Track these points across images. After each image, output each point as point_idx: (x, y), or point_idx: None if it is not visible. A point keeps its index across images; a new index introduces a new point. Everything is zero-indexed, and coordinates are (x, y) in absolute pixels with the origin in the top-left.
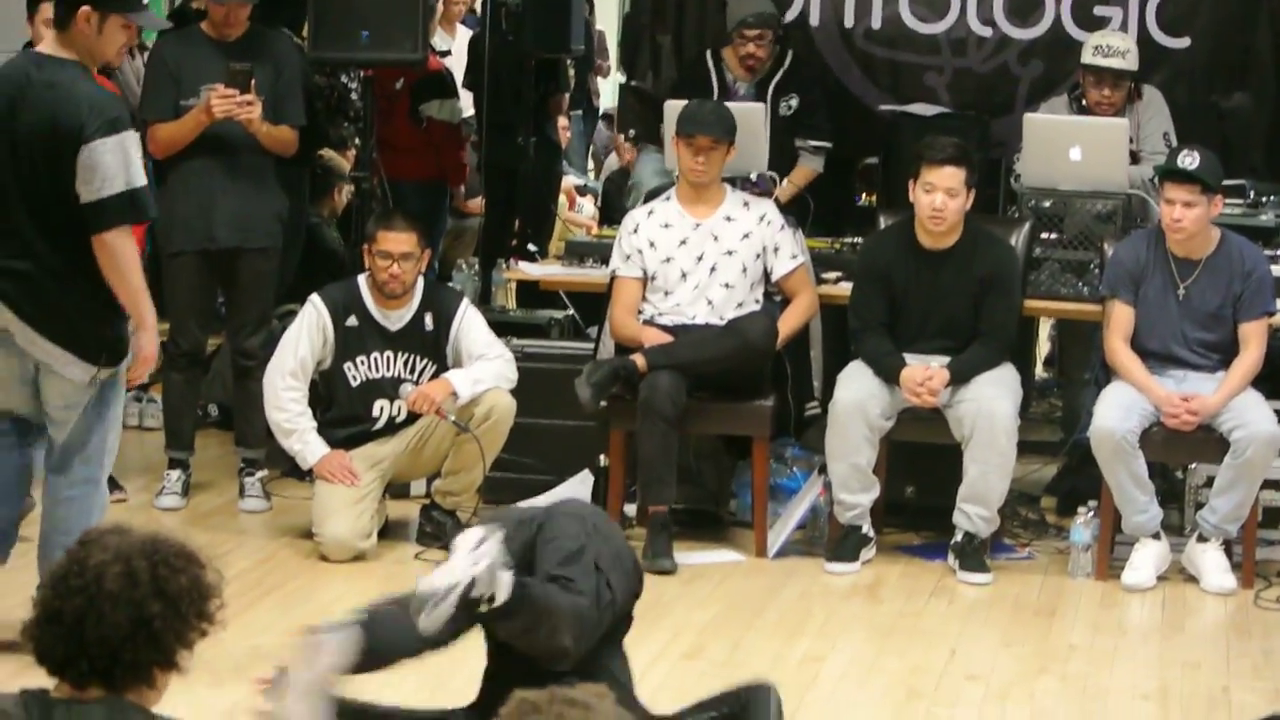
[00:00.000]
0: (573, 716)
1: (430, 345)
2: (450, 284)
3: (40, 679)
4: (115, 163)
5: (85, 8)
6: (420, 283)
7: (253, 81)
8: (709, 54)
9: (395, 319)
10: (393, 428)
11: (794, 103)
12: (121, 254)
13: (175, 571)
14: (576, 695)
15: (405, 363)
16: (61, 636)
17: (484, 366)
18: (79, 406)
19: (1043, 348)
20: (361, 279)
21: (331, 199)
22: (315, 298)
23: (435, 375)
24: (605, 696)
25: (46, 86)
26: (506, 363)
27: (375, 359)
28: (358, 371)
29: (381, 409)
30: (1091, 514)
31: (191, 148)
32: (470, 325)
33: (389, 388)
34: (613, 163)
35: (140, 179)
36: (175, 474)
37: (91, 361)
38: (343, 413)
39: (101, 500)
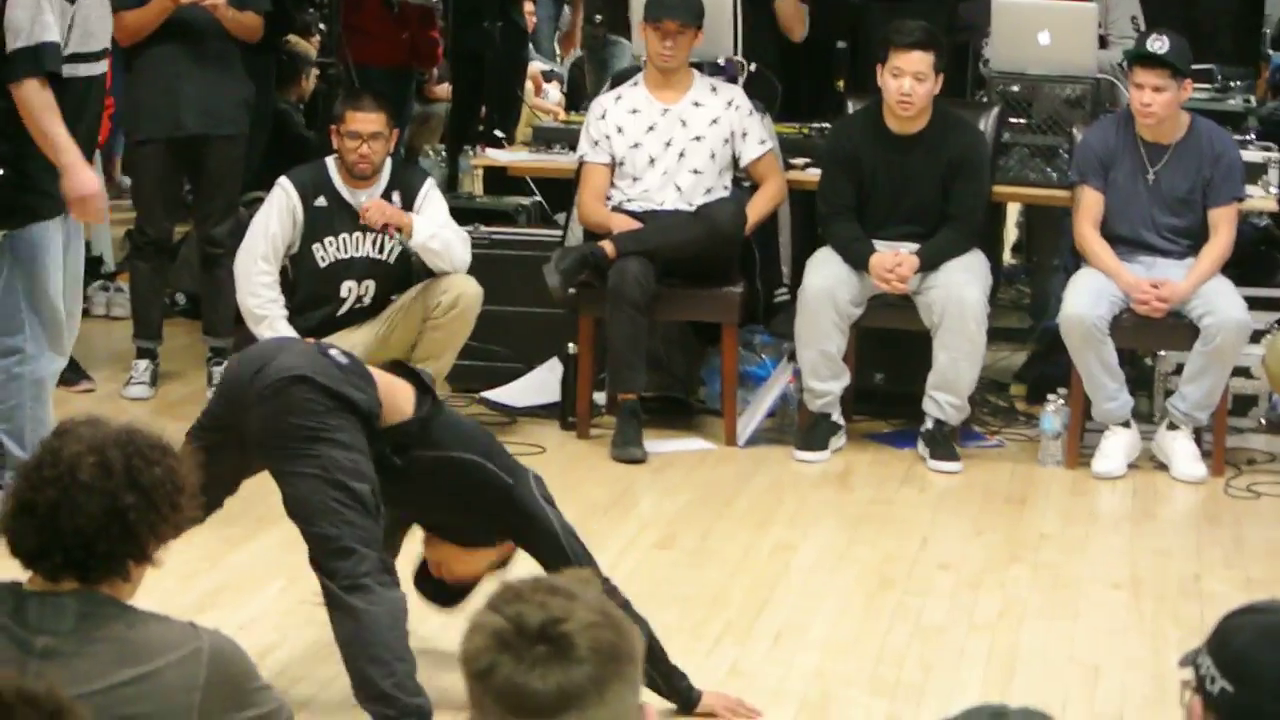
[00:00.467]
0: (555, 605)
1: None
2: None
3: (14, 571)
4: (24, 17)
5: None
6: (388, 162)
7: None
8: None
9: (364, 198)
10: (361, 312)
11: None
12: (31, 104)
13: (150, 463)
14: (560, 583)
15: (373, 242)
16: (35, 527)
17: (444, 232)
18: None
19: (1010, 234)
20: (330, 160)
21: (298, 85)
22: (284, 180)
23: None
24: (590, 583)
25: None
26: (462, 241)
27: (344, 239)
28: (326, 252)
29: (349, 290)
30: (1061, 401)
31: (157, 34)
32: (431, 203)
33: (357, 268)
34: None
35: (46, 35)
36: (143, 364)
37: None
38: (309, 294)
39: (32, 373)
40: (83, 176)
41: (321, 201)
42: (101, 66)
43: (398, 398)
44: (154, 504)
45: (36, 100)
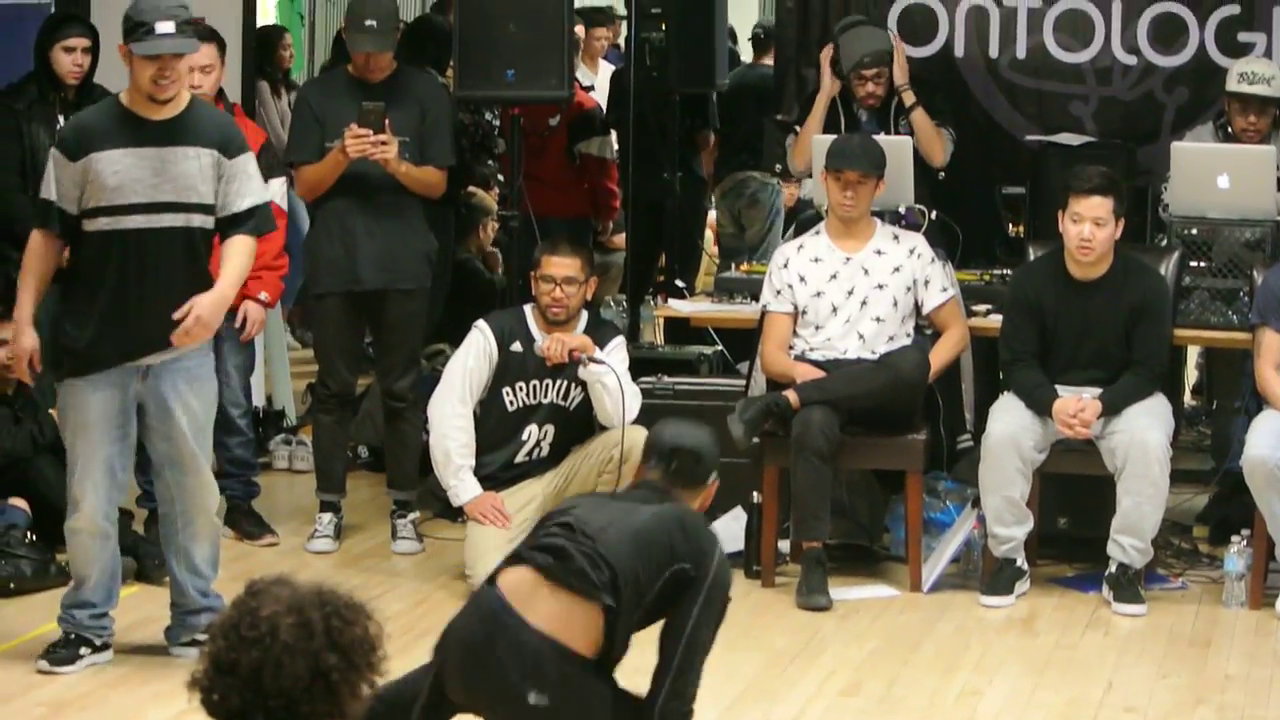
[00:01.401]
0: None
1: None
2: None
3: None
4: (47, 171)
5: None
6: (585, 314)
7: (386, 120)
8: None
9: None
10: (540, 462)
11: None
12: (26, 252)
13: (347, 623)
14: None
15: (559, 390)
16: (237, 687)
17: (620, 379)
18: None
19: (1190, 376)
20: (528, 307)
21: (477, 236)
22: (482, 323)
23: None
24: None
25: None
26: (634, 395)
27: (534, 385)
28: (515, 397)
29: (530, 434)
30: (1244, 543)
31: (335, 188)
32: (613, 355)
33: (541, 413)
34: None
35: (45, 192)
36: (327, 517)
37: None
38: (492, 437)
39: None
40: (19, 338)
41: (517, 347)
42: (162, 220)
43: (591, 631)
44: (354, 664)
45: (28, 251)
